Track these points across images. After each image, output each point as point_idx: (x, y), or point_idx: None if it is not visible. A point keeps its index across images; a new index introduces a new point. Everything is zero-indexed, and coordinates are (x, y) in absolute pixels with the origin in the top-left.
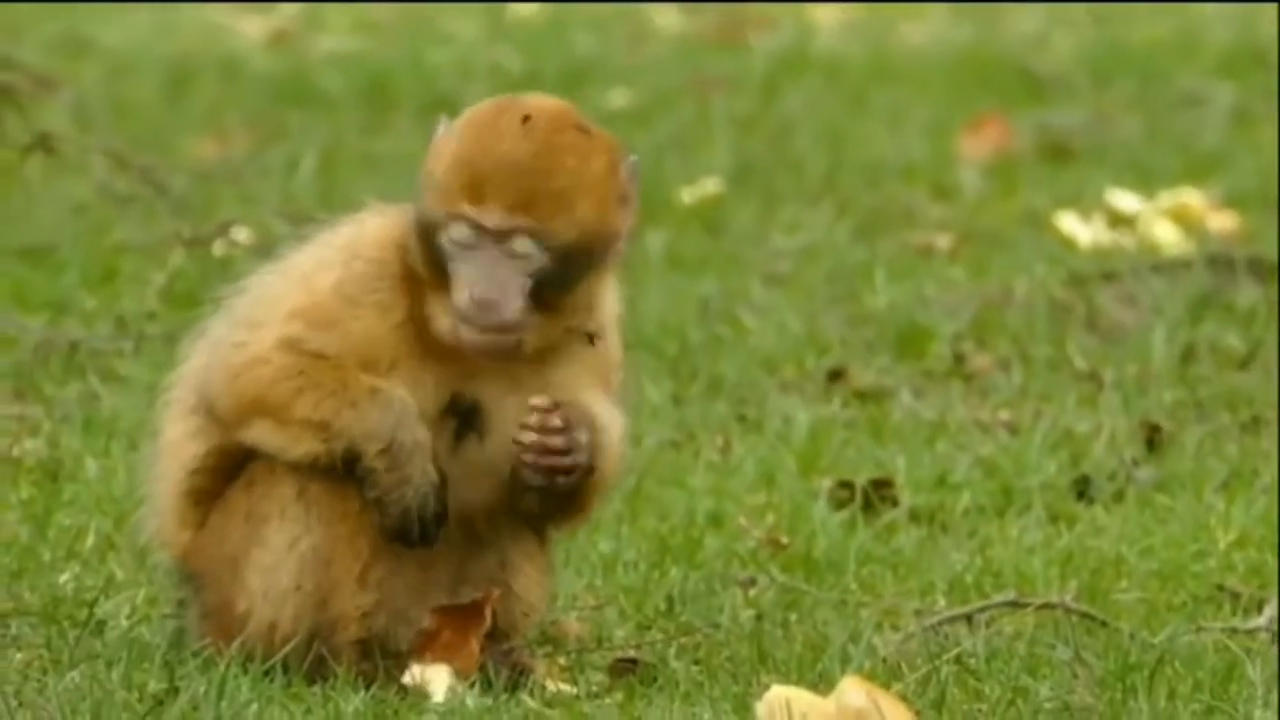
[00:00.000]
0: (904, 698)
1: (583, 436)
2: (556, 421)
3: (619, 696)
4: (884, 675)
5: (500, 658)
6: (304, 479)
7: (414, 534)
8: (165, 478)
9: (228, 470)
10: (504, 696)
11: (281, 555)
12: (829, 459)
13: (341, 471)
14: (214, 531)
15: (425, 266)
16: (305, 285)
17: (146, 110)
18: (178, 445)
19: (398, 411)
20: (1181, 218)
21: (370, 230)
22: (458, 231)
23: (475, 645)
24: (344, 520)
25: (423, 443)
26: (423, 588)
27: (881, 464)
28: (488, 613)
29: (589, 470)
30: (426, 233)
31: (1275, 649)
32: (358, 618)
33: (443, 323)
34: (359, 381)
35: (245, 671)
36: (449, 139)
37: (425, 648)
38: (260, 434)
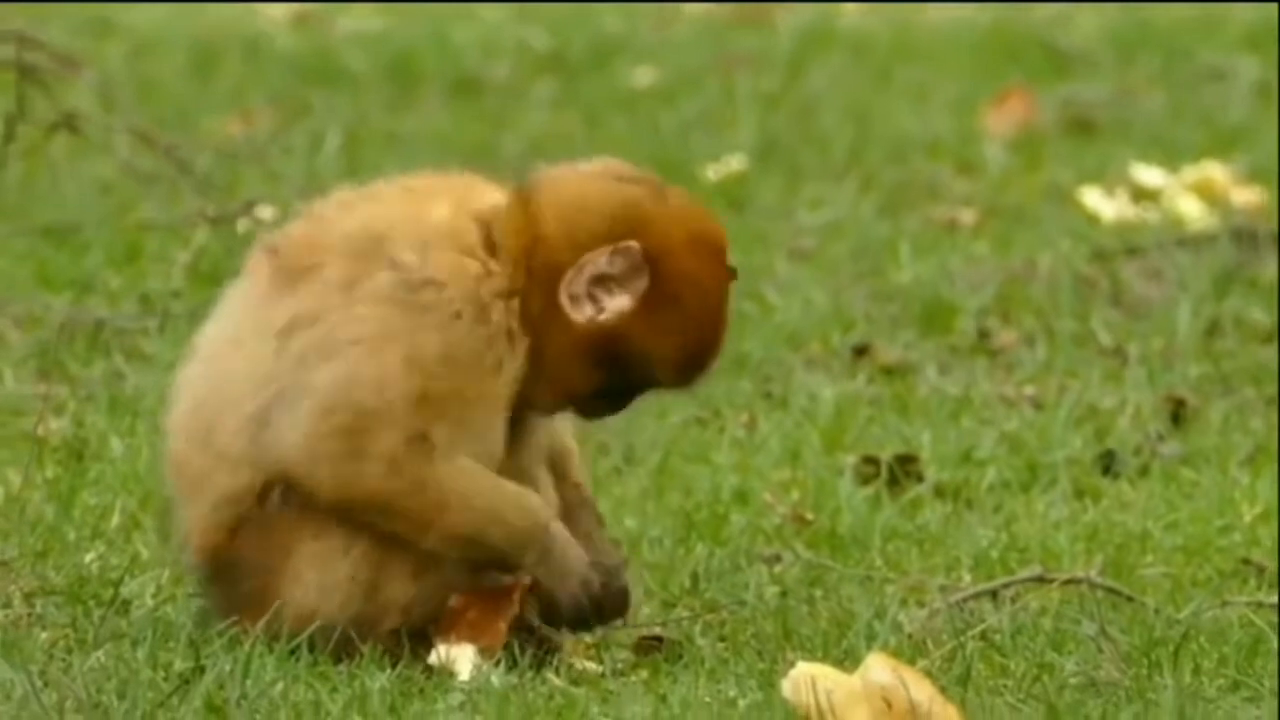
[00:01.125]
0: (929, 673)
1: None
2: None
3: (644, 674)
4: (909, 651)
5: (529, 636)
6: None
7: (590, 615)
8: (204, 491)
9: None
10: (529, 675)
11: (341, 547)
12: (854, 435)
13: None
14: (260, 522)
15: (577, 368)
16: (409, 360)
17: (171, 89)
18: (221, 472)
19: (544, 515)
20: (1205, 192)
21: (449, 264)
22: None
23: (502, 626)
24: None
25: (566, 534)
26: (464, 586)
27: (906, 440)
28: (517, 598)
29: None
30: (635, 386)
31: None
32: (401, 608)
33: (544, 394)
34: (501, 490)
35: (270, 650)
36: (672, 314)
37: (450, 626)
38: (378, 524)
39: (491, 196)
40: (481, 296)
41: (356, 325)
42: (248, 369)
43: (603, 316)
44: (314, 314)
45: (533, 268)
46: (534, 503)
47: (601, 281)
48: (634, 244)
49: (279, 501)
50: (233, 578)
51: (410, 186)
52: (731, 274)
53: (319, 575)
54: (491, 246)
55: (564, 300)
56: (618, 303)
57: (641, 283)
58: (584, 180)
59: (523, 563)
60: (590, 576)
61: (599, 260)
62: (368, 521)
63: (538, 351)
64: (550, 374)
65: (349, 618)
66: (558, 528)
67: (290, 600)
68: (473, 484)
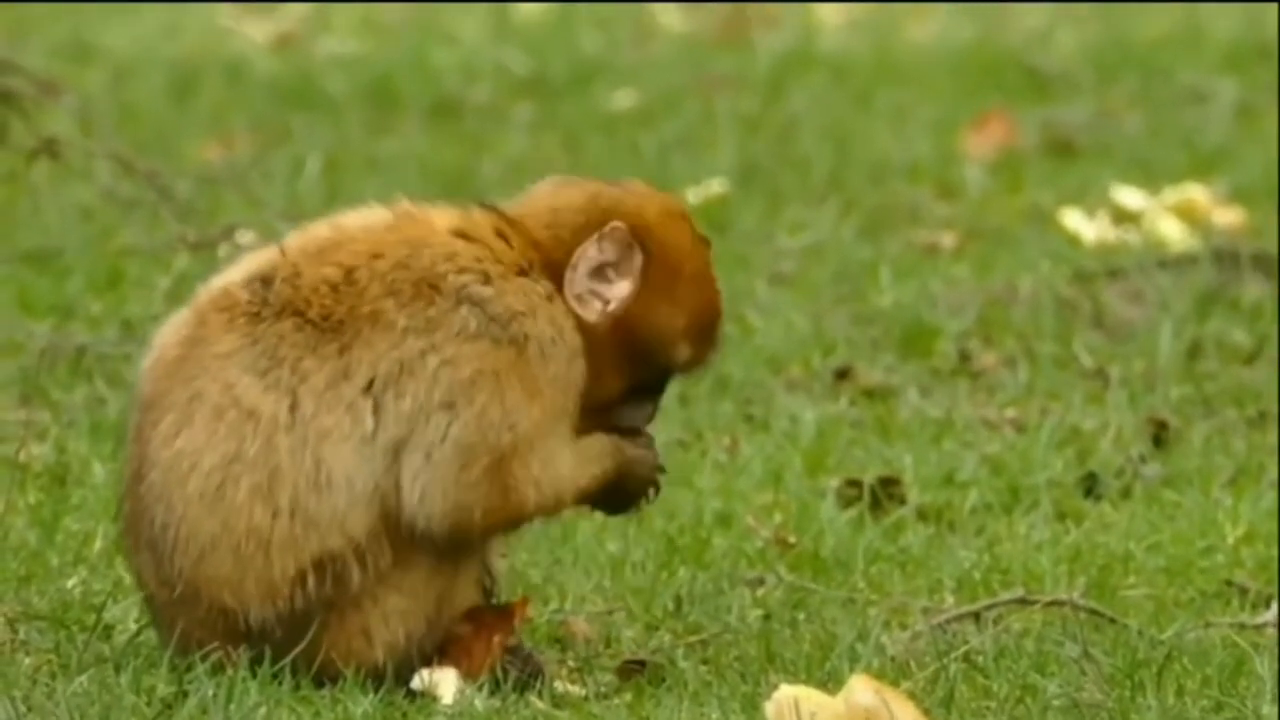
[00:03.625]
0: (912, 696)
1: None
2: None
3: (628, 697)
4: (893, 673)
5: (512, 659)
6: None
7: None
8: (281, 556)
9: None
10: (513, 698)
11: (428, 571)
12: (836, 458)
13: None
14: (347, 569)
15: (619, 363)
16: (528, 391)
17: (151, 114)
18: (311, 538)
19: (612, 444)
20: (1186, 214)
21: (521, 290)
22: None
23: (489, 649)
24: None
25: (626, 444)
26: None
27: (889, 462)
28: (517, 623)
29: None
30: (660, 374)
31: None
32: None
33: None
34: (584, 452)
35: (254, 675)
36: (671, 285)
37: (447, 650)
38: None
39: (442, 215)
40: (557, 316)
41: (461, 368)
42: (338, 431)
43: (611, 307)
44: (404, 365)
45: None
46: (603, 444)
47: (599, 273)
48: (618, 223)
49: (377, 548)
50: (306, 629)
51: (390, 215)
52: (706, 242)
53: (407, 602)
54: (527, 264)
55: (573, 304)
56: (619, 289)
57: (636, 261)
58: (544, 190)
59: (610, 493)
60: (654, 473)
61: (589, 251)
62: (487, 540)
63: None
64: (589, 386)
65: (421, 636)
66: (622, 449)
67: (377, 636)
68: (573, 468)
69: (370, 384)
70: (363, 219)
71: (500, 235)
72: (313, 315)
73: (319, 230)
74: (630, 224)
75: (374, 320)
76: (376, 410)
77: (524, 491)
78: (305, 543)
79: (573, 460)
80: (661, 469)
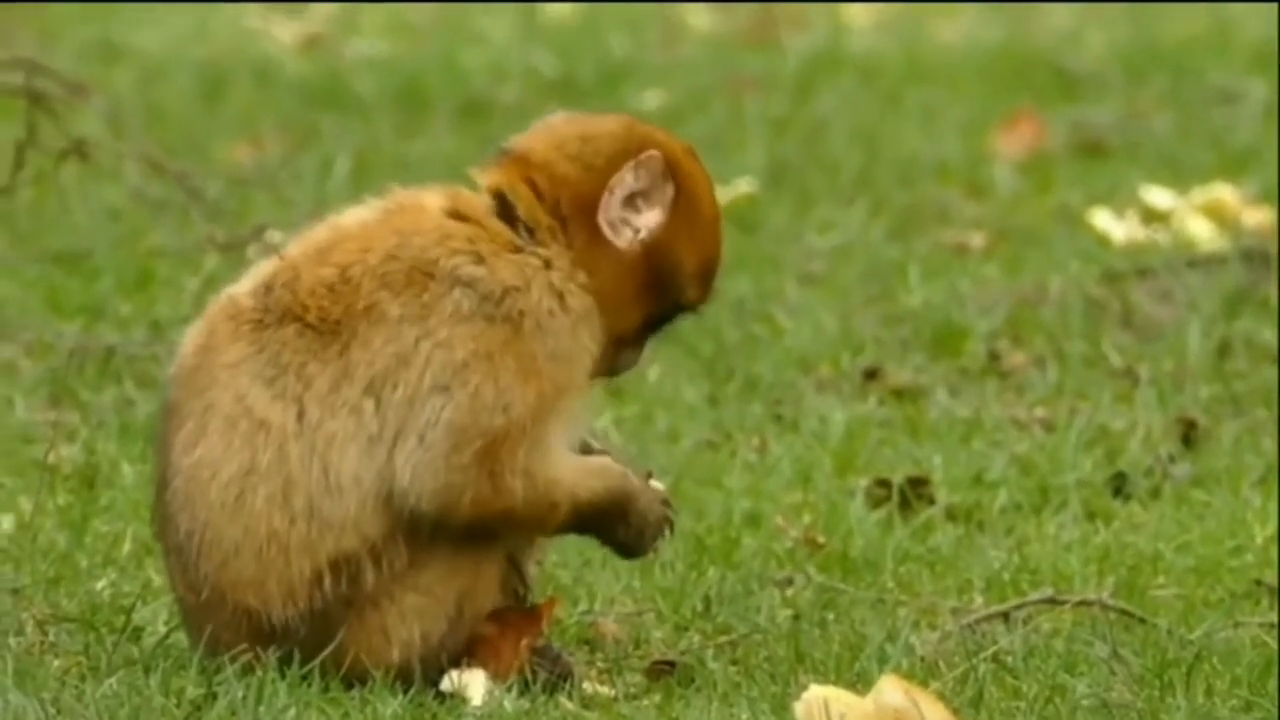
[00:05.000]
0: (942, 696)
1: None
2: None
3: (657, 698)
4: (922, 674)
5: (541, 660)
6: None
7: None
8: (300, 558)
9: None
10: (542, 699)
11: (446, 569)
12: (865, 458)
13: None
14: (365, 569)
15: (629, 316)
16: (523, 371)
17: (180, 115)
18: (327, 540)
19: (618, 471)
20: (1216, 213)
21: (514, 265)
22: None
23: (518, 650)
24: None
25: (634, 478)
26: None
27: (918, 462)
28: (544, 624)
29: None
30: (669, 311)
31: None
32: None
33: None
34: (586, 466)
35: (283, 676)
36: (694, 219)
37: (474, 651)
38: (499, 534)
39: (434, 198)
40: (556, 285)
41: (454, 350)
42: (343, 434)
43: (642, 235)
44: (399, 357)
45: (565, 219)
46: (608, 464)
47: (630, 202)
48: (655, 152)
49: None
50: (327, 628)
51: (382, 207)
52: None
53: (425, 601)
54: (524, 228)
55: (605, 230)
56: (650, 218)
57: (669, 191)
58: (568, 122)
59: (614, 521)
60: (664, 510)
61: (625, 178)
62: (488, 534)
63: (599, 306)
64: (608, 320)
65: (443, 635)
66: (629, 477)
67: (395, 634)
68: (570, 474)
69: (371, 383)
70: (358, 215)
71: (501, 200)
72: (311, 319)
73: (318, 232)
74: (665, 153)
75: (370, 316)
76: (379, 408)
77: (512, 481)
78: (321, 544)
79: (572, 465)
80: (671, 507)
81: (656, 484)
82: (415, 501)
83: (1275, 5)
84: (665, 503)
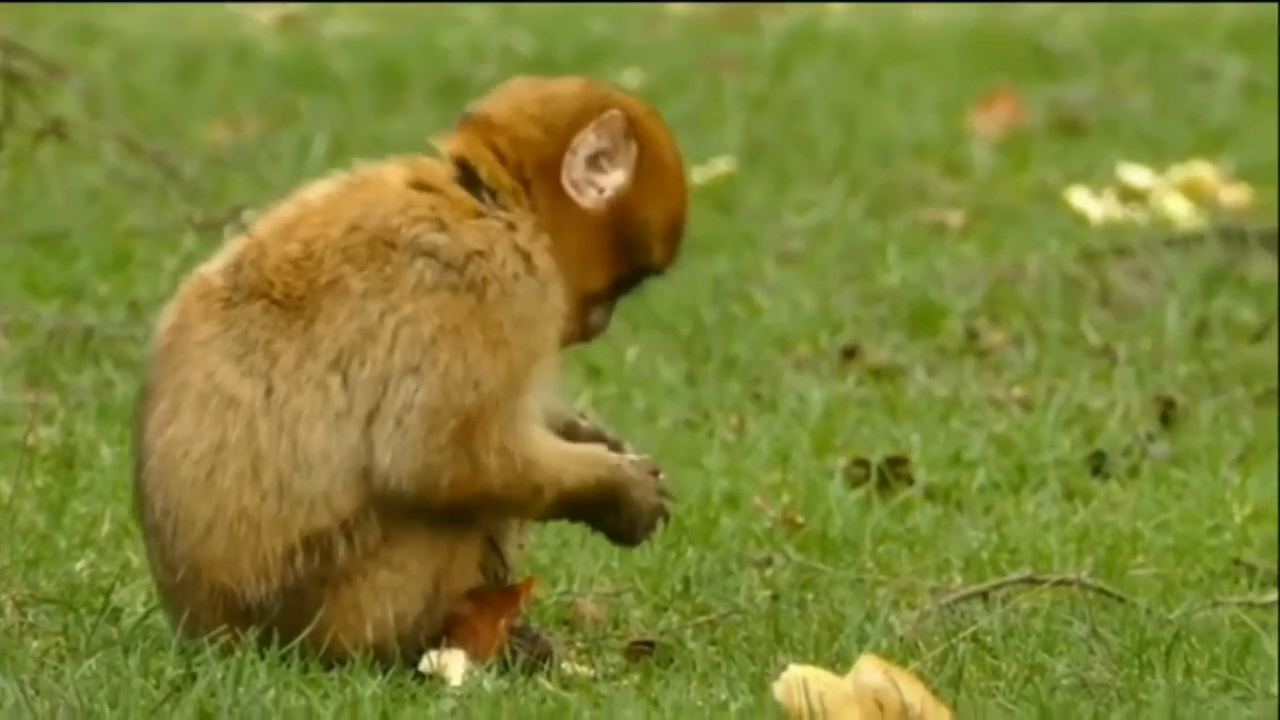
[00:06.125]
0: (921, 676)
1: None
2: None
3: (636, 678)
4: (901, 654)
5: (520, 641)
6: None
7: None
8: (273, 535)
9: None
10: (521, 679)
11: (424, 548)
12: (844, 437)
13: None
14: (338, 546)
15: (598, 279)
16: (491, 342)
17: (158, 96)
18: (299, 516)
19: (611, 458)
20: (1193, 192)
21: (476, 229)
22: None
23: (497, 631)
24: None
25: (628, 465)
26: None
27: (896, 442)
28: (523, 604)
29: None
30: (637, 272)
31: None
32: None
33: (571, 324)
34: (570, 450)
35: (262, 657)
36: (658, 179)
37: (452, 631)
38: (482, 514)
39: (396, 170)
40: (521, 246)
41: (421, 326)
42: (310, 410)
43: (607, 194)
44: (364, 332)
45: (529, 182)
46: (599, 453)
47: (593, 162)
48: (616, 111)
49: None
50: (301, 605)
51: (345, 181)
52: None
53: (399, 579)
54: (486, 193)
55: (570, 191)
56: (614, 178)
57: (632, 150)
58: (529, 86)
59: (604, 511)
60: (659, 500)
61: (588, 138)
62: (467, 515)
63: (565, 268)
64: (575, 281)
65: (419, 615)
66: (623, 463)
67: (368, 611)
68: (555, 459)
69: (337, 358)
70: (322, 190)
71: (463, 166)
72: (277, 295)
73: (285, 209)
74: (627, 113)
75: (334, 290)
76: (346, 384)
77: (487, 459)
78: (293, 521)
79: (557, 451)
80: (669, 495)
81: (654, 469)
82: (396, 484)
83: None
84: (662, 492)
